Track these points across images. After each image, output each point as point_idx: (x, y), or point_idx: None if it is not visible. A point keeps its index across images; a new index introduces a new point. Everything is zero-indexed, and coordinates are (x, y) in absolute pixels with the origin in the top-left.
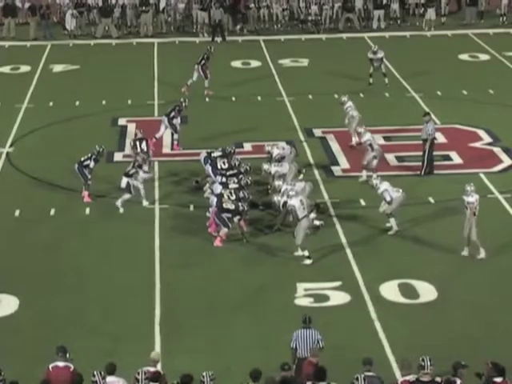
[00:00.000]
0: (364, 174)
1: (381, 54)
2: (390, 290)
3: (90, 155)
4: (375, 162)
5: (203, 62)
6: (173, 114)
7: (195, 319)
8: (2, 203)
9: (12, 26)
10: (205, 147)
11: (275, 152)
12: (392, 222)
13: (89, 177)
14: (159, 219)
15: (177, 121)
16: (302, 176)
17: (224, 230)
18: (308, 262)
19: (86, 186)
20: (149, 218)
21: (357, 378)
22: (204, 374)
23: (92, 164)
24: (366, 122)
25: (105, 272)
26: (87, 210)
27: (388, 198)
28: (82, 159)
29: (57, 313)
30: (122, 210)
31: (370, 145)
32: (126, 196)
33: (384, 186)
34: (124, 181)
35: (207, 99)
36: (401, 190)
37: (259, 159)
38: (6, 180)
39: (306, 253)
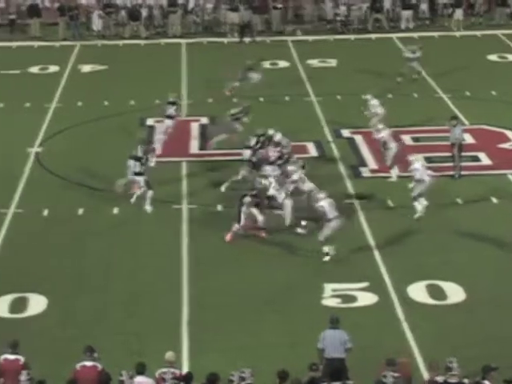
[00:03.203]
0: (393, 173)
1: (419, 54)
2: (418, 291)
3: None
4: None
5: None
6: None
7: (222, 319)
8: (30, 203)
9: (37, 27)
10: (231, 148)
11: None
12: (416, 206)
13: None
14: (187, 219)
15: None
16: (304, 171)
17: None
18: (327, 258)
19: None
20: (176, 218)
21: (384, 376)
22: (233, 372)
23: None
24: (394, 123)
25: (132, 271)
26: (115, 210)
27: (417, 177)
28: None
29: (84, 312)
30: (150, 210)
31: (384, 142)
32: (150, 193)
33: (417, 165)
34: (140, 179)
35: (234, 100)
36: (431, 175)
37: None
38: (34, 180)
39: (327, 249)
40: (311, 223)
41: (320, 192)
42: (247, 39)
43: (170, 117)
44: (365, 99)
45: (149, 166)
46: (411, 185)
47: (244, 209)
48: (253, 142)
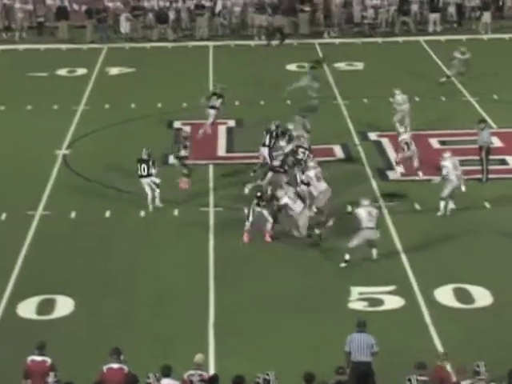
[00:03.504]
0: (420, 174)
1: (468, 55)
2: (445, 295)
3: (176, 148)
4: (415, 161)
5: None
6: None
7: (248, 322)
8: (58, 205)
9: (65, 29)
10: (258, 150)
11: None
12: (440, 205)
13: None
14: (214, 222)
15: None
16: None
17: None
18: (343, 265)
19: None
20: (203, 221)
21: (409, 380)
22: (259, 375)
23: (184, 152)
24: (421, 126)
25: (159, 274)
26: (142, 213)
27: (443, 173)
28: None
29: (111, 314)
30: (161, 204)
31: (406, 144)
32: (157, 191)
33: (447, 162)
34: (147, 181)
35: (262, 102)
36: (459, 176)
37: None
38: (62, 182)
39: (348, 256)
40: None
41: (363, 199)
42: (274, 42)
43: (213, 107)
44: (392, 94)
45: (157, 169)
46: (435, 180)
47: (252, 208)
48: (267, 139)
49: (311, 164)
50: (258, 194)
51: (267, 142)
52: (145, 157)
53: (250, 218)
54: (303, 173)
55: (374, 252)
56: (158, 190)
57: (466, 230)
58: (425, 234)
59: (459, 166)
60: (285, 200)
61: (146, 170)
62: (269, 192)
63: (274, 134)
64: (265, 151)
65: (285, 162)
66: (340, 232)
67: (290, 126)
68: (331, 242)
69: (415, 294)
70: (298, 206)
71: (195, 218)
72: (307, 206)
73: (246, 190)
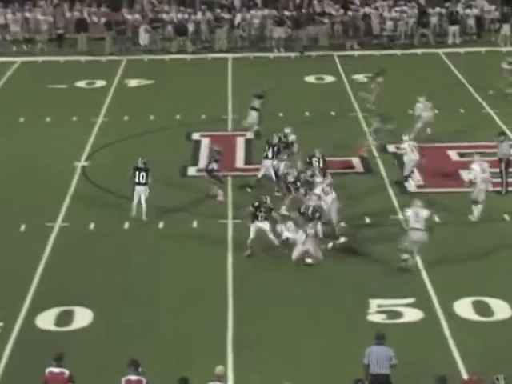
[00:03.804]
0: (412, 183)
1: None
2: (464, 308)
3: (208, 160)
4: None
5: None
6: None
7: (267, 334)
8: (77, 217)
9: (84, 41)
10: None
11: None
12: (474, 210)
13: (219, 176)
14: (232, 234)
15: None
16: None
17: None
18: (403, 264)
19: (217, 186)
20: (221, 233)
21: None
22: None
23: (215, 166)
24: (441, 138)
25: (177, 285)
26: (161, 224)
27: (471, 176)
28: (206, 166)
29: (129, 326)
30: (145, 218)
31: (405, 154)
32: (145, 205)
33: (475, 165)
34: (142, 189)
35: (280, 114)
36: (486, 181)
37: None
38: (81, 194)
39: (405, 256)
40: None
41: (416, 199)
42: (293, 54)
43: (253, 108)
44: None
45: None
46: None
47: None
48: (269, 152)
49: (318, 180)
50: (256, 203)
51: (270, 155)
52: (141, 165)
53: (252, 235)
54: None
55: (413, 261)
56: (145, 204)
57: (486, 242)
58: (444, 246)
59: (488, 169)
60: (285, 234)
61: (144, 177)
62: (268, 202)
63: (277, 147)
64: (268, 163)
65: (298, 178)
66: (358, 244)
67: (292, 136)
68: (350, 254)
69: (434, 307)
70: (300, 236)
71: (214, 230)
72: (317, 221)
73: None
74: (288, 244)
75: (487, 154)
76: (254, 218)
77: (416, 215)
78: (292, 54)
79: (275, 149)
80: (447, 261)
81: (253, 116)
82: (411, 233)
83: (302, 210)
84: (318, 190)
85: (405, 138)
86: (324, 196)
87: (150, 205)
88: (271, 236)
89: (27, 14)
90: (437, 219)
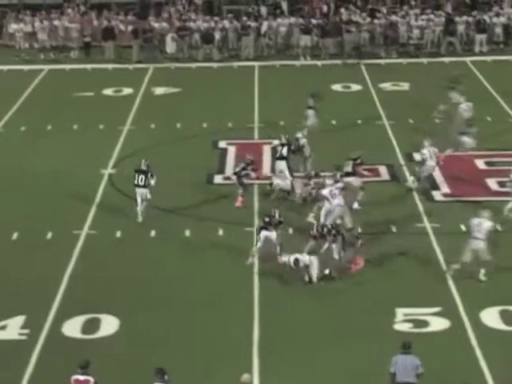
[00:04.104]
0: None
1: None
2: (491, 317)
3: (242, 166)
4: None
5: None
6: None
7: (293, 342)
8: (103, 224)
9: (111, 49)
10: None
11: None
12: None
13: (246, 185)
14: (258, 242)
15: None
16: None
17: None
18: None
19: (241, 192)
20: (248, 241)
21: None
22: None
23: (252, 174)
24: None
25: (204, 293)
26: (187, 232)
27: (507, 186)
28: (238, 170)
29: (156, 334)
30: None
31: (424, 160)
32: (144, 204)
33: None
34: (143, 192)
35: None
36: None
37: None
38: (107, 201)
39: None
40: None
41: (483, 210)
42: (319, 62)
43: (311, 107)
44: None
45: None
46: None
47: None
48: (284, 151)
49: (328, 182)
50: (267, 219)
51: (285, 154)
52: (143, 168)
53: (259, 244)
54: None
55: (481, 272)
56: (143, 204)
57: (511, 252)
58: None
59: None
60: (294, 256)
61: (143, 180)
62: (277, 215)
63: (286, 146)
64: (283, 164)
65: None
66: (384, 252)
67: (302, 139)
68: (375, 262)
69: (461, 316)
70: (305, 259)
71: (240, 238)
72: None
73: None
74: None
75: None
76: (263, 228)
77: (479, 224)
78: (318, 63)
79: (286, 148)
80: (474, 270)
81: (311, 115)
82: (470, 241)
83: (315, 230)
84: (325, 192)
85: (426, 143)
86: (331, 199)
87: (151, 207)
88: (278, 248)
89: (55, 22)
90: (463, 228)
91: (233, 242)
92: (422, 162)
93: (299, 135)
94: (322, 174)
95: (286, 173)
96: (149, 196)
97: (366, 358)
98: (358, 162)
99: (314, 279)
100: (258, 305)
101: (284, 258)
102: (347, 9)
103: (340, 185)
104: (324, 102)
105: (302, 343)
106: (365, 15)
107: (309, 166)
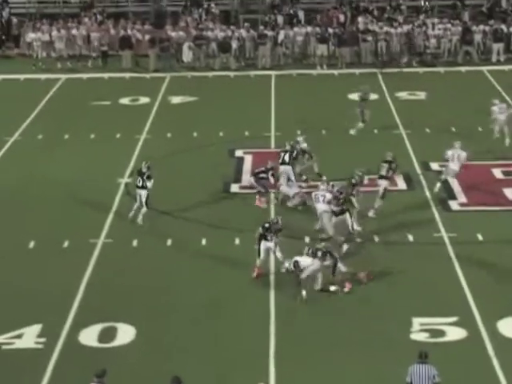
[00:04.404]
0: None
1: None
2: (509, 327)
3: (262, 170)
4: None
5: None
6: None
7: (310, 352)
8: (120, 233)
9: (128, 58)
10: (319, 179)
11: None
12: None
13: (266, 186)
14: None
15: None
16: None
17: None
18: None
19: (261, 193)
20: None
21: None
22: None
23: (272, 179)
24: (486, 156)
25: (220, 302)
26: (203, 241)
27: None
28: (257, 171)
29: (172, 343)
30: (141, 222)
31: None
32: (144, 210)
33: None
34: (142, 193)
35: (323, 132)
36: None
37: (374, 192)
38: (124, 210)
39: None
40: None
41: None
42: (336, 71)
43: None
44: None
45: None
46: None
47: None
48: (286, 156)
49: (321, 187)
50: (266, 225)
51: (287, 160)
52: (143, 170)
53: (261, 256)
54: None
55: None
56: (144, 208)
57: None
58: (487, 264)
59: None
60: (294, 258)
61: (140, 182)
62: (279, 223)
63: (289, 152)
64: (288, 169)
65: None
66: (401, 261)
67: (303, 144)
68: (392, 271)
69: (478, 326)
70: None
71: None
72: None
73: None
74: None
75: None
76: (263, 238)
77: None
78: (335, 71)
79: (290, 154)
80: (491, 279)
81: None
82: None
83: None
84: (313, 193)
85: (456, 145)
86: (314, 202)
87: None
88: (278, 254)
89: (73, 32)
90: (480, 237)
91: (249, 250)
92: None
93: (300, 139)
94: (320, 180)
95: (293, 178)
96: (143, 199)
97: (382, 368)
98: (394, 165)
99: (318, 286)
100: (275, 312)
101: (286, 264)
102: (364, 17)
103: (329, 196)
104: (341, 112)
105: (318, 352)
106: (382, 24)
107: (316, 169)
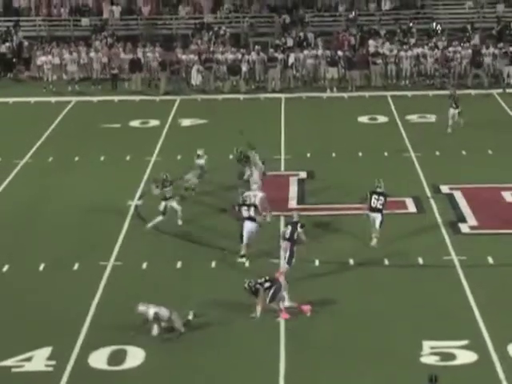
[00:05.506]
0: None
1: None
2: None
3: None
4: None
5: None
6: None
7: (320, 375)
8: (130, 256)
9: (139, 81)
10: (329, 202)
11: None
12: None
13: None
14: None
15: None
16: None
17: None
18: None
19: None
20: (272, 272)
21: None
22: None
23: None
24: (495, 178)
25: (228, 323)
26: (213, 264)
27: None
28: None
29: (181, 366)
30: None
31: None
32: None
33: None
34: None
35: (334, 154)
36: None
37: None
38: (134, 233)
39: None
40: None
41: None
42: (345, 94)
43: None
44: None
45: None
46: None
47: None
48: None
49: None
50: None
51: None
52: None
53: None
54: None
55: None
56: (160, 217)
57: None
58: (498, 287)
59: None
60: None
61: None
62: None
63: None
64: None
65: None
66: (411, 284)
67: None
68: (402, 294)
69: (488, 349)
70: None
71: (267, 271)
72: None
73: None
74: None
75: None
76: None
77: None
78: (345, 95)
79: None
80: (501, 302)
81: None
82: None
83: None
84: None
85: None
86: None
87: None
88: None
89: (83, 54)
90: (491, 261)
91: (258, 273)
92: None
93: (200, 153)
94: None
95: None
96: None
97: None
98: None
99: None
100: (285, 335)
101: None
102: (374, 41)
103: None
104: (351, 133)
105: (328, 375)
106: (392, 47)
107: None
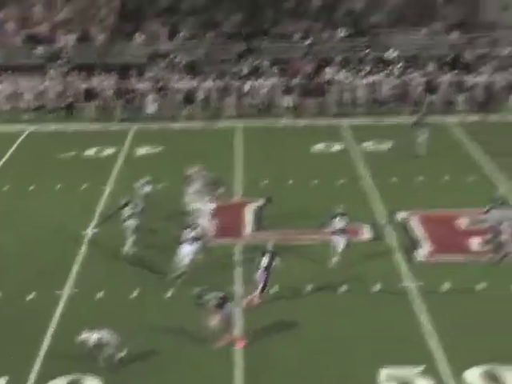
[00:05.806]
0: None
1: None
2: (475, 377)
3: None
4: None
5: None
6: None
7: None
8: (86, 284)
9: (93, 110)
10: (286, 228)
11: None
12: None
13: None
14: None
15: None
16: None
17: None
18: None
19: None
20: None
21: None
22: None
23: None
24: (449, 204)
25: (180, 349)
26: (169, 293)
27: None
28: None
29: None
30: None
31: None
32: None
33: None
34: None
35: (290, 181)
36: None
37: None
38: (90, 262)
39: None
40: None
41: None
42: (303, 121)
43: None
44: None
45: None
46: None
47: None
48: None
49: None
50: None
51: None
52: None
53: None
54: None
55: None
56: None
57: (496, 310)
58: (456, 313)
59: None
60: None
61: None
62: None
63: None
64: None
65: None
66: (368, 311)
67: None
68: (360, 321)
69: (445, 375)
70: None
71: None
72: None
73: None
74: None
75: None
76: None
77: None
78: (300, 122)
79: None
80: (459, 328)
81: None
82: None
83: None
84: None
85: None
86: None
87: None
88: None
89: (38, 83)
90: (447, 286)
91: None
92: None
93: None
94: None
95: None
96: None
97: None
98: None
99: None
100: (243, 360)
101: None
102: (330, 68)
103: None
104: (306, 162)
105: None
106: (347, 75)
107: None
